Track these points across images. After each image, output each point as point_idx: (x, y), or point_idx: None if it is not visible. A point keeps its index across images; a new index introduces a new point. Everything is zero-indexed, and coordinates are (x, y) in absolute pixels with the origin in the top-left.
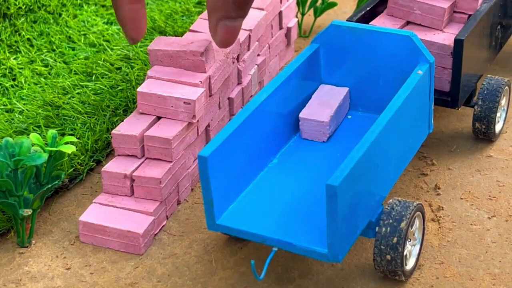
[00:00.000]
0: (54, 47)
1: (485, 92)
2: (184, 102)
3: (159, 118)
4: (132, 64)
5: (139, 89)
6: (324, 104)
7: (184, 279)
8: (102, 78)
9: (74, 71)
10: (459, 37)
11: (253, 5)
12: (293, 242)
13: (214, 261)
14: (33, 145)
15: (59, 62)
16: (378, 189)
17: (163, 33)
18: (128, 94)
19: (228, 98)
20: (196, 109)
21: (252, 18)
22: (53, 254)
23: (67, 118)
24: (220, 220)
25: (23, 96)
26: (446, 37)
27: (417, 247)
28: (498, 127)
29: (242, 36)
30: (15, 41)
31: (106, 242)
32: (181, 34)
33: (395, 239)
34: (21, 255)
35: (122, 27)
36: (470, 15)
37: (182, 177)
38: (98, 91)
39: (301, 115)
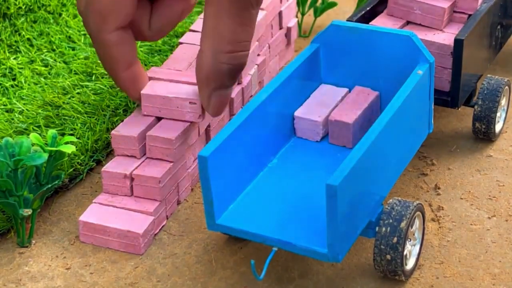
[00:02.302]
0: (54, 47)
1: (485, 92)
2: (189, 102)
3: (159, 119)
4: None
5: (143, 91)
6: (321, 104)
7: (184, 279)
8: (102, 78)
9: (74, 71)
10: (459, 37)
11: None
12: (293, 242)
13: (214, 261)
14: (33, 145)
15: (59, 62)
16: (378, 189)
17: None
18: None
19: None
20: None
21: None
22: (53, 254)
23: (67, 118)
24: (220, 220)
25: (23, 96)
26: (446, 37)
27: (417, 247)
28: (498, 127)
29: None
30: (15, 41)
31: (106, 242)
32: (181, 34)
33: (395, 238)
34: (21, 255)
35: (125, 92)
36: (470, 15)
37: (182, 177)
38: (98, 91)
39: (296, 113)
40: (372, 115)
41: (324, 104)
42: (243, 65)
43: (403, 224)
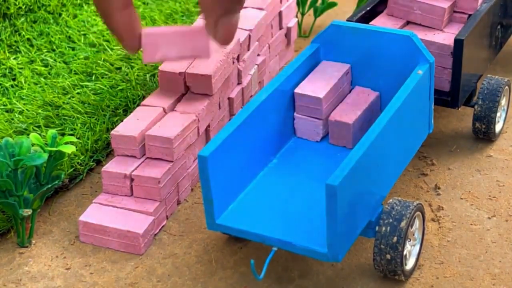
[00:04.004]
0: (54, 47)
1: (485, 92)
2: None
3: (160, 117)
4: (132, 64)
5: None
6: None
7: (184, 279)
8: (102, 78)
9: (74, 71)
10: (459, 37)
11: (253, 5)
12: (293, 241)
13: (214, 261)
14: (33, 145)
15: (59, 62)
16: (378, 189)
17: None
18: (128, 94)
19: (228, 98)
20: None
21: (252, 18)
22: (53, 254)
23: (67, 118)
24: (220, 219)
25: (23, 96)
26: (446, 37)
27: (417, 247)
28: (498, 127)
29: (242, 36)
30: (15, 41)
31: (106, 242)
32: None
33: (395, 238)
34: (21, 255)
35: (118, 37)
36: (470, 15)
37: (182, 177)
38: (98, 91)
39: (296, 113)
40: (372, 115)
41: None
42: None
43: (403, 224)
